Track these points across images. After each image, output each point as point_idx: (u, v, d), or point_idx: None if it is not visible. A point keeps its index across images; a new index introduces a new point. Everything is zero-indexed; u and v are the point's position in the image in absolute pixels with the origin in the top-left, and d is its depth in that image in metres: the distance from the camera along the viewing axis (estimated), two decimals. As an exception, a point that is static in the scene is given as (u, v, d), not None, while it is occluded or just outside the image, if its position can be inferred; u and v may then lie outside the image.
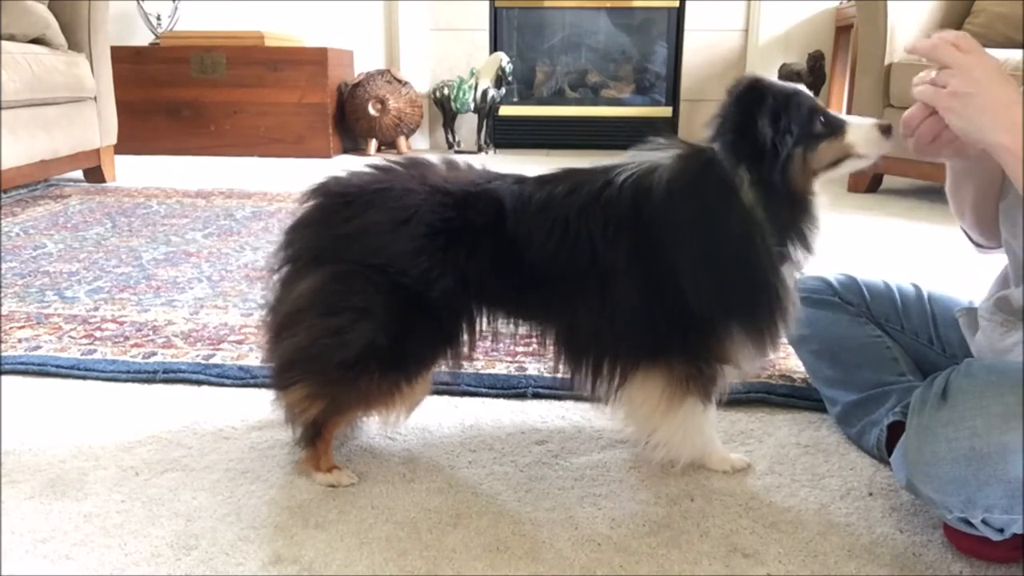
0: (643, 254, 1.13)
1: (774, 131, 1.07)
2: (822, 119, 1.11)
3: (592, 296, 1.15)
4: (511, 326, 1.26)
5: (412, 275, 1.12)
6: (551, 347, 1.24)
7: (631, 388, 1.21)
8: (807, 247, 1.14)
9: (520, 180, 1.21)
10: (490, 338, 1.27)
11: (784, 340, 1.53)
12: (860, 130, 1.12)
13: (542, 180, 1.20)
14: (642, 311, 1.15)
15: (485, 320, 1.23)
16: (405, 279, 1.12)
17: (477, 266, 1.15)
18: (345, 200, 1.18)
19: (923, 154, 1.11)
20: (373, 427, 1.37)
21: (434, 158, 1.24)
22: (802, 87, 1.12)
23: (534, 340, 1.27)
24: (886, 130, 1.12)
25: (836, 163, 1.13)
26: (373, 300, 1.13)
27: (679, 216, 1.12)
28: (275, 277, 1.21)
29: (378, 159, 1.25)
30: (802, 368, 1.53)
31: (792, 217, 1.12)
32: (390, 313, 1.13)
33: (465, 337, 1.21)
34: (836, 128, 1.11)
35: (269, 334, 1.22)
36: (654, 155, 1.16)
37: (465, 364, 1.25)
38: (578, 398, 1.43)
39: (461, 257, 1.14)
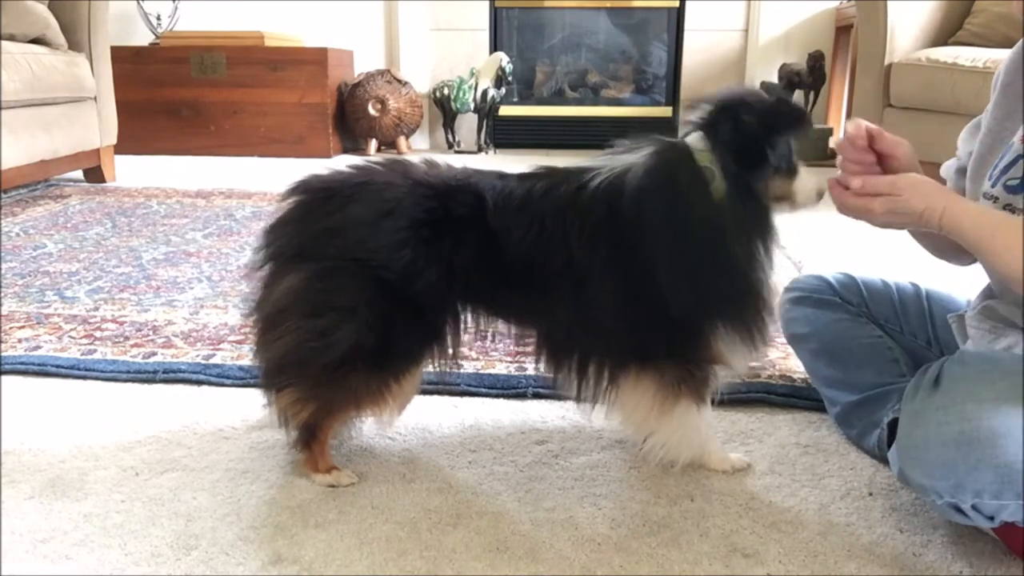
0: (620, 256, 1.14)
1: (775, 152, 1.12)
2: (791, 157, 1.16)
3: (569, 296, 1.16)
4: (495, 323, 1.26)
5: (396, 268, 1.12)
6: (533, 345, 1.24)
7: (623, 393, 1.22)
8: (769, 251, 1.17)
9: (502, 176, 1.21)
10: (487, 337, 1.27)
11: (782, 339, 1.54)
12: (806, 180, 1.17)
13: (523, 176, 1.21)
14: (622, 313, 1.15)
15: (470, 317, 1.23)
16: (389, 273, 1.12)
17: (461, 259, 1.15)
18: (326, 196, 1.17)
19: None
20: (373, 427, 1.37)
21: (413, 158, 1.25)
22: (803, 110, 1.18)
23: (525, 339, 1.27)
24: (821, 194, 1.19)
25: (777, 200, 1.17)
26: (357, 298, 1.13)
27: (651, 215, 1.12)
28: (257, 275, 1.20)
29: (362, 160, 1.25)
30: (802, 368, 1.53)
31: (757, 222, 1.15)
32: (374, 311, 1.13)
33: (451, 333, 1.20)
34: (793, 170, 1.17)
35: (255, 334, 1.22)
36: (628, 156, 1.17)
37: (452, 363, 1.24)
38: (565, 398, 1.43)
39: (445, 249, 1.14)
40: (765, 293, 1.17)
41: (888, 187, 1.09)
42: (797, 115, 1.16)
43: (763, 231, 1.15)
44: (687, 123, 1.17)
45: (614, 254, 1.14)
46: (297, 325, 1.13)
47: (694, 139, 1.14)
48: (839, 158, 1.17)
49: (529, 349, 1.29)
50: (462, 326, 1.22)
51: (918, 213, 1.06)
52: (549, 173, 1.21)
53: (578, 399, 1.25)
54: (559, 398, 1.49)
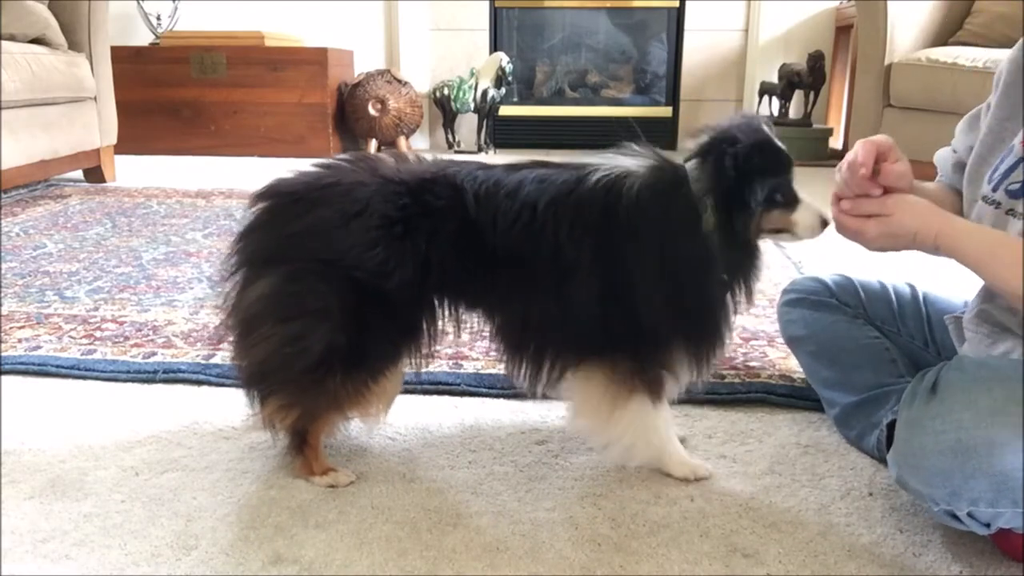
0: (605, 256, 1.13)
1: (759, 194, 1.10)
2: (787, 190, 1.13)
3: (549, 287, 1.15)
4: (473, 318, 1.25)
5: (368, 268, 1.11)
6: (497, 337, 1.23)
7: (574, 385, 1.21)
8: (749, 289, 1.17)
9: (484, 167, 1.20)
10: (485, 335, 1.26)
11: (782, 340, 1.54)
12: (806, 213, 1.15)
13: (511, 167, 1.20)
14: (595, 309, 1.15)
15: (447, 311, 1.22)
16: (360, 273, 1.11)
17: (437, 252, 1.14)
18: (293, 199, 1.16)
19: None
20: (372, 427, 1.37)
21: (383, 154, 1.23)
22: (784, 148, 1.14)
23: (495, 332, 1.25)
24: (825, 223, 1.15)
25: (776, 232, 1.16)
26: (329, 300, 1.12)
27: (645, 226, 1.13)
28: (229, 283, 1.19)
29: (328, 159, 1.24)
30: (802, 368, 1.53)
31: (741, 260, 1.15)
32: (347, 312, 1.12)
33: (428, 330, 1.20)
34: (790, 202, 1.14)
35: (233, 341, 1.21)
36: (627, 161, 1.17)
37: (427, 361, 1.24)
38: (518, 396, 1.43)
39: (420, 244, 1.13)
40: (725, 331, 1.18)
41: (878, 207, 1.09)
42: (777, 160, 1.12)
43: (744, 269, 1.16)
44: (688, 149, 1.17)
45: (599, 251, 1.13)
46: (272, 331, 1.13)
47: (691, 168, 1.14)
48: (837, 175, 1.15)
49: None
50: (439, 322, 1.21)
51: (911, 233, 1.07)
52: (541, 164, 1.20)
53: (533, 392, 1.23)
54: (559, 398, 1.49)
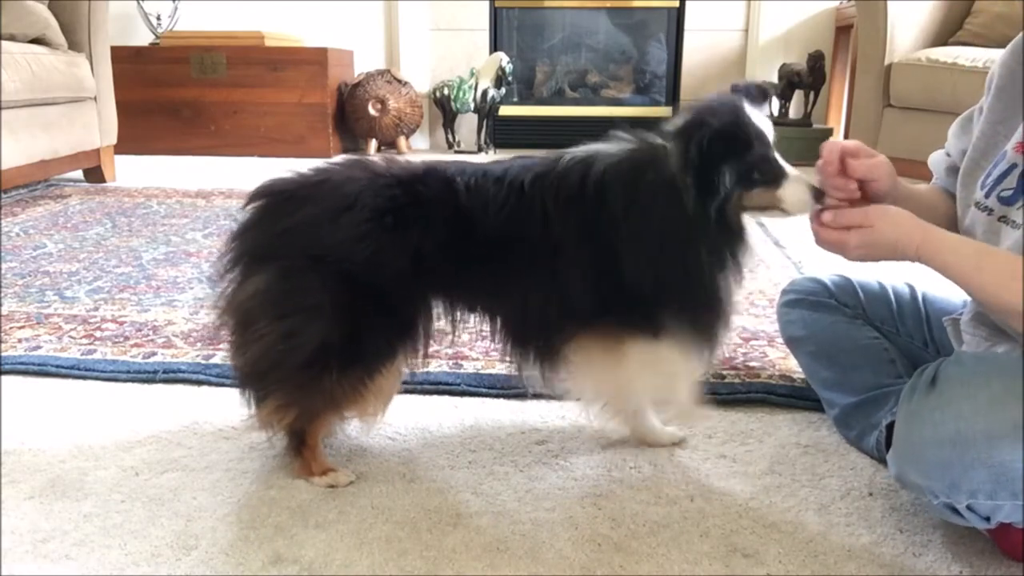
0: (583, 234, 1.14)
1: (727, 177, 1.09)
2: (767, 167, 1.11)
3: (544, 270, 1.15)
4: (468, 314, 1.25)
5: (358, 261, 1.11)
6: (500, 332, 1.23)
7: (574, 356, 1.20)
8: (738, 268, 1.16)
9: (472, 165, 1.21)
10: (483, 336, 1.26)
11: (782, 340, 1.54)
12: (793, 187, 1.12)
13: (498, 162, 1.22)
14: (588, 284, 1.15)
15: (443, 308, 1.22)
16: (351, 267, 1.11)
17: (429, 242, 1.14)
18: (285, 197, 1.18)
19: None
20: (372, 427, 1.37)
21: (376, 157, 1.24)
22: (767, 127, 1.12)
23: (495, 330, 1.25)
24: (818, 195, 1.13)
25: (764, 208, 1.14)
26: (321, 296, 1.12)
27: (610, 204, 1.12)
28: (224, 281, 1.19)
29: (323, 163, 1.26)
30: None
31: (725, 241, 1.14)
32: (341, 308, 1.12)
33: (423, 326, 1.19)
34: (775, 179, 1.12)
35: (230, 341, 1.21)
36: (602, 145, 1.18)
37: (426, 361, 1.24)
38: (518, 396, 1.43)
39: (412, 234, 1.13)
40: (726, 302, 1.16)
41: (860, 218, 1.08)
42: (744, 142, 1.09)
43: (732, 246, 1.14)
44: (672, 125, 1.16)
45: (579, 228, 1.14)
46: (266, 329, 1.14)
47: (672, 147, 1.13)
48: (819, 179, 1.15)
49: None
50: (435, 320, 1.21)
51: (892, 244, 1.06)
52: (523, 159, 1.22)
53: (549, 391, 1.23)
54: (559, 398, 1.49)
